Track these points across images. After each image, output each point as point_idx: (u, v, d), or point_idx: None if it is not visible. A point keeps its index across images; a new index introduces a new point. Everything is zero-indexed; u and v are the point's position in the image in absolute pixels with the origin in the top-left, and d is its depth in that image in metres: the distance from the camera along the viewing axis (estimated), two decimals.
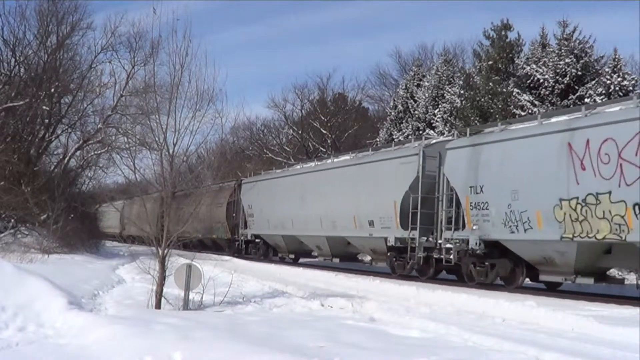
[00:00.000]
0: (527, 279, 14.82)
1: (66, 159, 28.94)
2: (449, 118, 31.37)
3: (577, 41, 27.07)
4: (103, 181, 33.53)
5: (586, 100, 24.90)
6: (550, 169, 12.77)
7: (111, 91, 28.95)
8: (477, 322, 9.71)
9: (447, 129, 29.74)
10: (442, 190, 16.21)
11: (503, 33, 30.26)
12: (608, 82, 24.65)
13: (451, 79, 35.25)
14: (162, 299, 11.07)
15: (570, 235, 12.42)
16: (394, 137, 35.54)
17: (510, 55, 29.73)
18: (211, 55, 17.63)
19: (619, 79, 24.57)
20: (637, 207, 11.10)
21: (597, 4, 71.43)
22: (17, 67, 27.77)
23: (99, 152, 29.25)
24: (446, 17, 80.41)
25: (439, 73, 36.12)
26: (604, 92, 24.52)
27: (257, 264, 24.33)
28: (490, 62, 29.69)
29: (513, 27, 30.42)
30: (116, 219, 44.50)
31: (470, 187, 14.78)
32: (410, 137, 31.76)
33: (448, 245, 15.60)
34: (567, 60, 26.36)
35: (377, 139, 38.89)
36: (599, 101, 23.22)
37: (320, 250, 22.72)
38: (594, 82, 25.75)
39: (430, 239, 16.59)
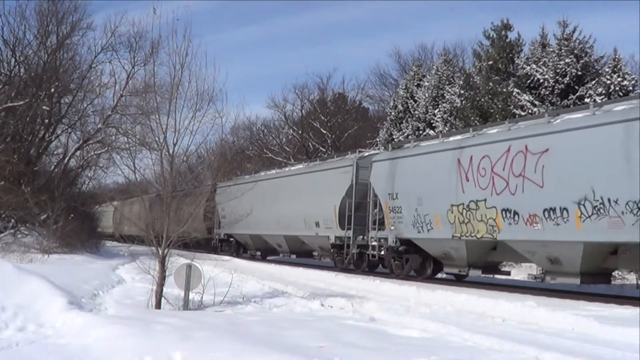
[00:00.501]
0: (444, 274, 18.01)
1: (66, 159, 28.95)
2: (449, 118, 31.37)
3: (577, 41, 27.07)
4: (103, 181, 33.57)
5: (586, 100, 24.91)
6: (445, 180, 15.56)
7: (111, 91, 29.00)
8: (477, 322, 9.71)
9: (447, 128, 29.74)
10: (370, 197, 19.08)
11: (503, 33, 30.27)
12: (608, 82, 24.65)
13: (451, 79, 35.23)
14: (162, 299, 11.07)
15: (459, 235, 15.30)
16: (394, 137, 35.54)
17: (510, 55, 29.73)
18: (211, 55, 17.64)
19: (619, 79, 24.57)
20: (504, 212, 13.98)
21: (597, 4, 71.47)
22: (17, 67, 27.81)
23: (99, 152, 29.26)
24: (446, 17, 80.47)
25: (439, 73, 36.11)
26: (604, 92, 24.52)
27: (257, 264, 24.35)
28: (490, 62, 29.70)
29: (513, 27, 30.45)
30: (109, 219, 44.93)
31: (389, 194, 17.77)
32: (410, 136, 31.79)
33: (374, 243, 18.73)
34: (567, 60, 26.36)
35: (377, 139, 38.88)
36: (599, 101, 23.23)
37: (280, 248, 25.83)
38: (594, 82, 25.76)
39: (364, 237, 19.46)
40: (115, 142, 26.18)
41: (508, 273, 17.35)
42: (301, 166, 25.48)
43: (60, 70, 28.09)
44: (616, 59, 25.57)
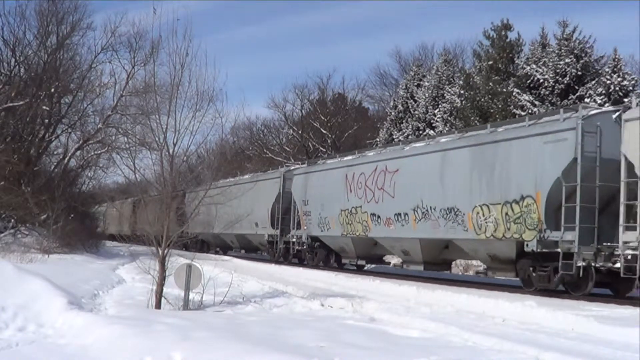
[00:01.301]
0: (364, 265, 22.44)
1: (66, 159, 28.96)
2: (449, 118, 31.40)
3: (577, 41, 27.10)
4: (103, 181, 33.58)
5: (586, 100, 24.93)
6: (337, 191, 20.61)
7: (111, 91, 28.99)
8: (477, 322, 9.70)
9: (447, 129, 29.75)
10: (292, 203, 23.92)
11: (503, 33, 30.31)
12: (608, 82, 24.68)
13: (451, 79, 35.26)
14: (162, 299, 11.07)
15: (346, 233, 20.30)
16: (394, 137, 35.57)
17: (510, 55, 29.77)
18: (211, 55, 17.63)
19: (619, 79, 24.60)
20: (372, 215, 18.76)
21: (597, 4, 71.49)
22: (17, 67, 27.81)
23: (99, 152, 29.26)
24: (446, 17, 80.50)
25: (439, 73, 36.14)
26: (603, 92, 24.54)
27: (257, 264, 24.37)
28: (490, 62, 29.73)
29: (513, 27, 30.51)
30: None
31: (303, 200, 22.88)
32: (409, 136, 31.79)
33: (294, 240, 23.57)
34: (567, 60, 26.39)
35: (377, 139, 38.90)
36: (599, 101, 23.28)
37: (233, 244, 31.23)
38: (594, 82, 25.79)
39: (289, 235, 24.21)
40: (115, 142, 26.22)
41: (388, 263, 22.87)
42: (247, 176, 30.10)
43: (60, 70, 28.09)
44: (616, 59, 25.60)
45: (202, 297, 11.30)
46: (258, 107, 75.49)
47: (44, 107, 26.98)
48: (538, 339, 8.15)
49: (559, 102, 26.03)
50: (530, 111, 25.82)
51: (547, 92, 26.61)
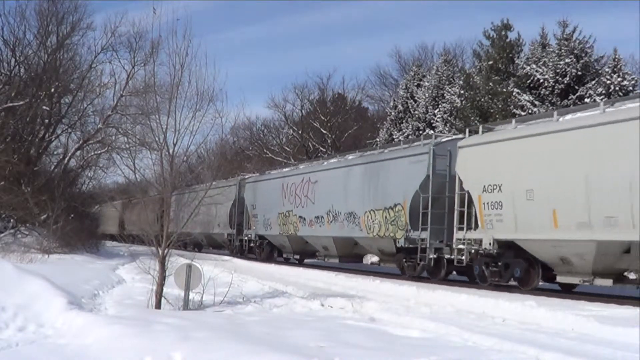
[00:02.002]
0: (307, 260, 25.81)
1: (66, 159, 28.96)
2: (449, 118, 31.40)
3: (577, 41, 27.10)
4: (103, 181, 33.58)
5: (586, 100, 24.93)
6: (276, 197, 24.69)
7: (111, 91, 29.01)
8: (477, 322, 9.71)
9: (447, 129, 29.75)
10: (245, 207, 28.15)
11: (503, 33, 30.30)
12: (608, 82, 24.68)
13: (451, 79, 35.26)
14: (162, 299, 11.06)
15: (282, 232, 24.44)
16: (394, 137, 35.57)
17: (510, 55, 29.76)
18: (211, 55, 17.63)
19: (619, 79, 24.60)
20: (300, 218, 22.89)
21: (597, 4, 71.49)
22: (17, 67, 27.82)
23: (99, 152, 29.27)
24: (446, 17, 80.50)
25: (439, 73, 36.14)
26: (604, 92, 24.54)
27: (257, 264, 24.38)
28: (490, 62, 29.73)
29: (513, 27, 30.50)
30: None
31: (252, 205, 27.19)
32: (410, 136, 31.79)
33: (245, 238, 28.03)
34: (567, 60, 26.39)
35: (377, 139, 38.90)
36: (598, 100, 23.24)
37: (203, 243, 35.09)
38: (594, 82, 25.79)
39: (243, 234, 28.53)
40: (115, 142, 26.22)
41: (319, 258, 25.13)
42: (205, 185, 33.21)
43: (60, 70, 28.10)
44: (616, 59, 25.60)
45: (202, 297, 11.30)
46: (258, 107, 75.64)
47: (44, 107, 26.99)
48: (538, 339, 8.15)
49: (559, 102, 26.04)
50: (530, 111, 25.82)
51: (547, 92, 26.61)
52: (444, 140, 17.54)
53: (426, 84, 36.89)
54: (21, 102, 25.50)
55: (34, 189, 23.99)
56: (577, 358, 6.87)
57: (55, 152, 30.57)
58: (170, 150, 11.45)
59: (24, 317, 9.35)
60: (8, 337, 8.46)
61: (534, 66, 27.33)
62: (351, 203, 19.89)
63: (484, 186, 14.43)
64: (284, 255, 26.42)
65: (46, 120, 27.84)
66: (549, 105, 26.10)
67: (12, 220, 24.03)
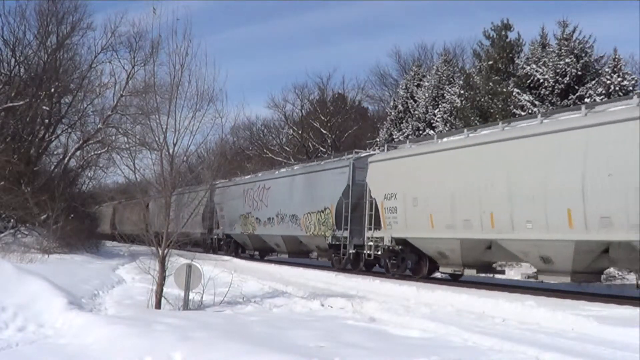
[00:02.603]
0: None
1: (66, 159, 28.95)
2: (449, 118, 31.38)
3: (577, 41, 27.07)
4: (103, 181, 33.59)
5: (586, 100, 24.91)
6: (239, 201, 28.35)
7: (111, 91, 28.99)
8: (477, 322, 9.71)
9: (447, 129, 29.74)
10: (214, 209, 31.96)
11: (503, 33, 30.27)
12: (608, 82, 24.65)
13: (451, 79, 35.23)
14: (162, 299, 11.06)
15: (243, 232, 28.35)
16: (394, 137, 35.55)
17: (510, 55, 29.73)
18: (211, 55, 17.64)
19: (619, 79, 24.56)
20: (256, 219, 26.76)
21: (597, 4, 71.49)
22: (17, 67, 27.81)
23: (99, 152, 29.26)
24: (446, 17, 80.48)
25: (439, 73, 36.11)
26: (604, 92, 24.52)
27: (257, 264, 24.40)
28: (490, 62, 29.69)
29: (513, 27, 30.45)
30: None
31: (220, 207, 31.25)
32: (410, 136, 31.79)
33: (215, 237, 32.11)
34: (567, 60, 26.36)
35: (377, 139, 38.89)
36: (599, 100, 23.26)
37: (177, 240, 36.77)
38: (594, 82, 25.76)
39: (213, 233, 32.38)
40: (115, 142, 26.20)
41: (276, 253, 28.05)
42: (178, 190, 38.07)
43: (60, 70, 28.09)
44: (616, 59, 25.56)
45: (202, 297, 11.30)
46: (258, 107, 75.45)
47: (44, 107, 26.98)
48: (538, 339, 8.15)
49: (559, 102, 26.02)
50: (530, 111, 25.79)
51: (547, 92, 26.59)
52: (362, 155, 21.31)
53: (426, 84, 36.86)
54: (21, 102, 25.49)
55: (34, 189, 23.97)
56: (577, 358, 6.87)
57: (55, 152, 30.59)
58: (170, 150, 11.46)
59: (24, 317, 9.35)
60: (8, 337, 8.46)
61: (534, 66, 27.31)
62: (294, 206, 23.66)
63: (385, 194, 17.98)
64: (247, 252, 29.90)
65: (46, 120, 27.83)
66: (549, 105, 26.08)
67: (12, 220, 24.02)
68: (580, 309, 10.52)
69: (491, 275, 16.59)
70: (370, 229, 18.64)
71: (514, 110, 26.33)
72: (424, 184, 16.33)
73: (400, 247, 17.63)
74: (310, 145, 50.65)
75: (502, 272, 17.37)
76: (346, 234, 20.04)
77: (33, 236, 22.98)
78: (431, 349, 7.26)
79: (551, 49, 27.50)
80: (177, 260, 12.30)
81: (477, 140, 15.16)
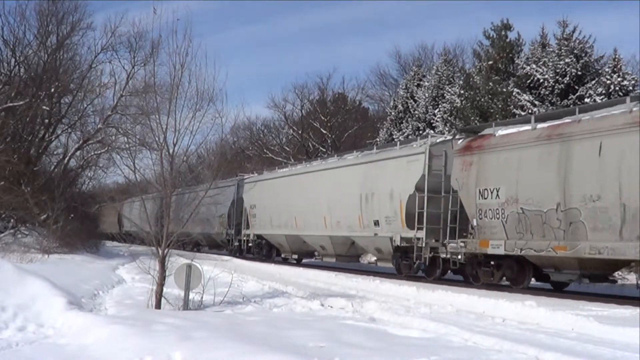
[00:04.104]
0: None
1: (66, 159, 28.96)
2: (449, 118, 31.37)
3: (577, 41, 27.06)
4: (103, 181, 33.60)
5: (586, 100, 24.91)
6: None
7: (111, 91, 29.01)
8: (477, 322, 9.71)
9: (447, 129, 29.74)
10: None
11: (503, 33, 30.26)
12: (608, 82, 24.64)
13: (451, 79, 35.23)
14: (162, 299, 11.06)
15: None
16: (394, 137, 35.54)
17: (510, 55, 29.72)
18: (211, 55, 17.63)
19: (619, 79, 24.56)
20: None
21: (597, 4, 71.49)
22: (17, 67, 27.82)
23: (99, 152, 29.27)
24: (446, 17, 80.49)
25: (439, 73, 36.10)
26: (604, 92, 24.52)
27: (257, 264, 24.39)
28: (490, 62, 29.69)
29: (513, 27, 30.44)
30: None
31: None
32: (410, 136, 31.79)
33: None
34: (567, 60, 26.35)
35: (377, 139, 38.89)
36: (599, 101, 23.30)
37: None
38: (594, 82, 25.75)
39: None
40: (115, 142, 26.19)
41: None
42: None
43: (60, 70, 28.09)
44: (616, 59, 25.55)
45: (202, 297, 11.30)
46: (258, 107, 75.46)
47: (44, 107, 26.97)
48: (538, 339, 8.15)
49: (559, 102, 26.02)
50: (530, 111, 25.79)
51: (547, 92, 26.58)
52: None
53: (426, 84, 36.87)
54: (21, 102, 25.49)
55: (34, 189, 23.97)
56: (577, 358, 6.86)
57: (55, 152, 30.61)
58: (170, 150, 11.45)
59: (24, 317, 9.35)
60: (8, 337, 8.45)
61: (534, 66, 27.30)
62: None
63: (251, 205, 27.75)
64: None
65: (46, 120, 27.84)
66: (549, 105, 26.07)
67: (12, 220, 24.01)
68: (580, 309, 10.52)
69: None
70: (246, 227, 28.58)
71: (514, 110, 26.33)
72: (267, 198, 25.75)
73: (258, 240, 27.52)
74: (310, 145, 50.65)
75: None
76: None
77: (33, 236, 22.97)
78: (431, 349, 7.26)
79: (551, 49, 27.49)
80: (177, 260, 12.31)
81: (292, 172, 25.58)
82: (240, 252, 29.15)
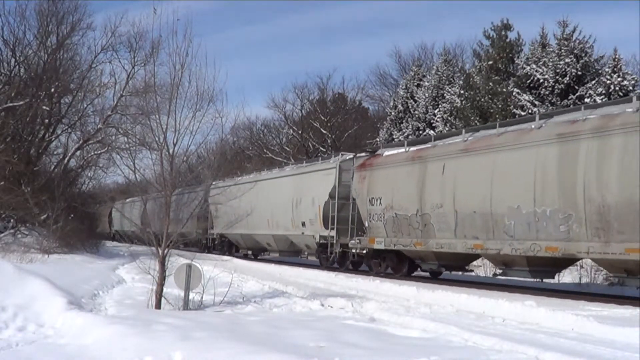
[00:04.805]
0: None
1: (66, 159, 28.93)
2: (449, 118, 31.39)
3: (577, 41, 27.08)
4: (103, 181, 33.60)
5: (586, 100, 24.91)
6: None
7: (111, 91, 28.97)
8: (477, 322, 9.70)
9: (447, 129, 29.75)
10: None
11: (503, 33, 30.31)
12: (608, 82, 24.66)
13: (451, 79, 35.25)
14: (162, 299, 11.06)
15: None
16: (394, 137, 35.56)
17: (510, 55, 29.76)
18: (211, 55, 17.62)
19: (619, 79, 24.58)
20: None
21: (597, 4, 71.51)
22: (17, 67, 27.79)
23: (99, 152, 29.23)
24: (446, 17, 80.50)
25: (439, 73, 36.12)
26: (604, 92, 24.53)
27: (257, 264, 24.40)
28: (490, 62, 29.72)
29: (513, 27, 30.51)
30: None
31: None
32: (410, 136, 31.79)
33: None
34: (567, 60, 26.37)
35: (377, 139, 38.90)
36: (599, 101, 23.31)
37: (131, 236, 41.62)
38: (594, 82, 25.76)
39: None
40: (115, 142, 26.20)
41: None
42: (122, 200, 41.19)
43: (60, 70, 28.07)
44: (616, 59, 25.57)
45: (202, 297, 11.30)
46: (258, 107, 75.48)
47: (44, 107, 26.96)
48: (538, 339, 8.15)
49: (559, 102, 26.04)
50: (530, 111, 25.80)
51: (547, 92, 26.60)
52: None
53: (426, 84, 36.88)
54: (21, 102, 25.47)
55: (34, 189, 23.95)
56: (577, 358, 6.86)
57: (55, 152, 30.57)
58: (170, 150, 11.45)
59: (24, 317, 9.35)
60: (8, 337, 8.45)
61: (534, 66, 27.31)
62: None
63: (216, 207, 28.28)
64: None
65: (46, 120, 27.82)
66: (549, 105, 26.08)
67: (12, 220, 24.00)
68: (580, 309, 10.52)
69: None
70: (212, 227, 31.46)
71: (514, 110, 26.36)
72: (226, 202, 23.30)
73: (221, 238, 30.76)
74: (310, 145, 50.65)
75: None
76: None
77: (33, 236, 22.96)
78: (431, 349, 7.26)
79: (551, 49, 27.51)
80: (177, 260, 12.31)
81: (244, 180, 27.74)
82: (207, 248, 32.57)
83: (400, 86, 41.60)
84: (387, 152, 18.88)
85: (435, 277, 18.26)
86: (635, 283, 12.34)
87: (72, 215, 24.48)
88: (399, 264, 18.26)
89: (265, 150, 52.83)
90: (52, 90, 26.99)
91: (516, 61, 29.47)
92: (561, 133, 12.90)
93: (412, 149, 17.62)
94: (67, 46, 29.01)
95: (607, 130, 11.94)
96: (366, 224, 18.64)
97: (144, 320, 9.07)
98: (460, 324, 9.27)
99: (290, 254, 26.06)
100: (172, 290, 11.39)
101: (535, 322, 9.70)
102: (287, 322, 9.38)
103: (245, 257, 29.56)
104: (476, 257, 16.77)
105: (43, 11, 28.11)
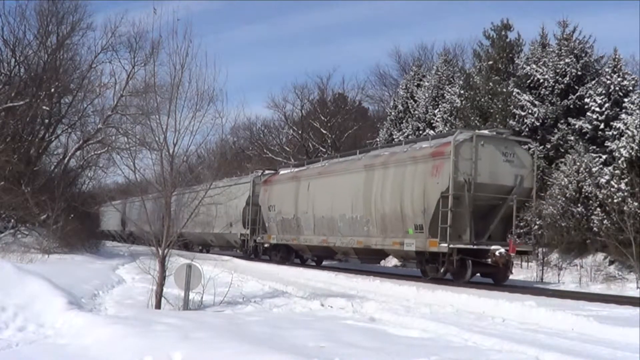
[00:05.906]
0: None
1: (66, 159, 28.94)
2: (449, 118, 31.38)
3: (577, 41, 27.05)
4: (103, 181, 33.58)
5: (586, 100, 24.90)
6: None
7: (111, 91, 28.94)
8: (477, 322, 9.71)
9: (447, 128, 29.74)
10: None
11: (503, 33, 30.29)
12: (608, 82, 24.63)
13: (451, 79, 35.23)
14: (162, 299, 11.06)
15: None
16: (394, 137, 35.55)
17: (510, 55, 29.74)
18: (211, 55, 17.62)
19: (619, 79, 24.54)
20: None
21: (597, 4, 71.52)
22: (17, 67, 27.79)
23: (99, 152, 29.23)
24: (446, 17, 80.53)
25: (439, 73, 36.11)
26: (604, 92, 24.51)
27: (257, 264, 24.38)
28: (490, 62, 29.71)
29: (513, 27, 30.49)
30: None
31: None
32: (410, 136, 31.79)
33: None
34: (567, 60, 26.35)
35: (377, 139, 38.89)
36: (599, 101, 23.34)
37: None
38: (594, 82, 25.74)
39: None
40: (115, 142, 26.16)
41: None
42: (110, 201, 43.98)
43: (60, 70, 28.06)
44: (616, 59, 25.53)
45: (202, 297, 11.30)
46: (258, 107, 75.72)
47: (44, 107, 26.95)
48: (538, 339, 8.15)
49: (558, 102, 26.02)
50: (530, 111, 25.79)
51: (547, 92, 26.58)
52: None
53: (426, 84, 36.86)
54: (21, 102, 25.47)
55: (34, 189, 23.95)
56: (577, 358, 6.87)
57: (55, 152, 30.57)
58: (170, 150, 11.45)
59: (24, 317, 9.34)
60: (8, 337, 8.45)
61: (534, 66, 27.29)
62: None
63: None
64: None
65: (46, 120, 27.82)
66: (549, 105, 26.07)
67: (12, 220, 24.00)
68: (580, 309, 10.53)
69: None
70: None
71: (514, 110, 26.34)
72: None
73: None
74: (310, 146, 50.63)
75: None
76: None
77: (33, 236, 22.97)
78: (431, 349, 7.26)
79: (551, 49, 27.49)
80: (177, 260, 12.30)
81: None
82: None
83: (400, 86, 41.58)
84: (282, 171, 26.76)
85: (319, 265, 25.13)
86: (413, 265, 20.01)
87: (72, 215, 24.47)
88: (288, 254, 25.78)
89: (265, 151, 52.82)
90: (52, 90, 26.98)
91: (516, 61, 29.45)
92: (366, 164, 19.99)
93: (295, 170, 25.59)
94: (67, 46, 29.03)
95: (387, 164, 18.81)
96: (267, 225, 26.16)
97: (144, 321, 9.07)
98: (460, 324, 9.28)
99: (226, 248, 33.83)
100: (172, 290, 11.39)
101: (535, 322, 9.70)
102: (287, 322, 9.38)
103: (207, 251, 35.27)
104: (329, 249, 22.42)
105: (43, 11, 28.14)
